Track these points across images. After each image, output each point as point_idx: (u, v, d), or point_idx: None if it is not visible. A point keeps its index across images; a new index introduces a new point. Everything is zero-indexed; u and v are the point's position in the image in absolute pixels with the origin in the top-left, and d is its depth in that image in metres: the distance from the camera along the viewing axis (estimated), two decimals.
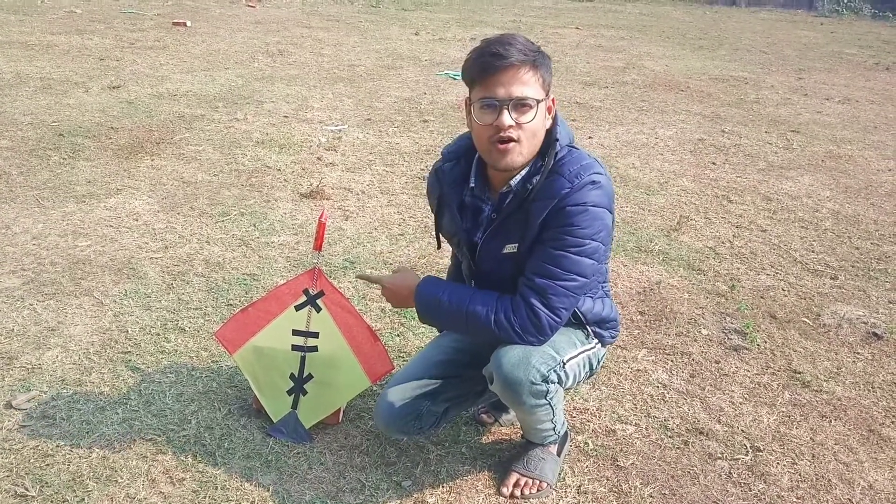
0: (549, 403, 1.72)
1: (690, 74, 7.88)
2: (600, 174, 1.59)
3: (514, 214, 1.64)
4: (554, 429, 1.85)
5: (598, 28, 11.56)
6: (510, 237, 1.66)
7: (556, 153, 1.59)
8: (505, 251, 1.67)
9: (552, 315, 1.61)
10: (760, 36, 11.77)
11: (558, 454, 1.94)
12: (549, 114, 1.62)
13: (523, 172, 1.63)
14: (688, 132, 5.55)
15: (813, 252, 3.50)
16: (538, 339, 1.63)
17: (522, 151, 1.57)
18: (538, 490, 1.87)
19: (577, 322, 1.80)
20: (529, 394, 1.66)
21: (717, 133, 5.57)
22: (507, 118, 1.51)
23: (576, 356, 1.77)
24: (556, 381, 1.69)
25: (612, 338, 1.92)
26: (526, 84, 1.50)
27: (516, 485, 1.87)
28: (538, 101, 1.53)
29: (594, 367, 1.88)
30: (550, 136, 1.62)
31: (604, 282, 1.86)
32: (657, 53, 9.26)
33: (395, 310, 2.72)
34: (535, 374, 1.64)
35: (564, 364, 1.72)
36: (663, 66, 8.36)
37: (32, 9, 9.57)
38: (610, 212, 1.61)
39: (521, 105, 1.51)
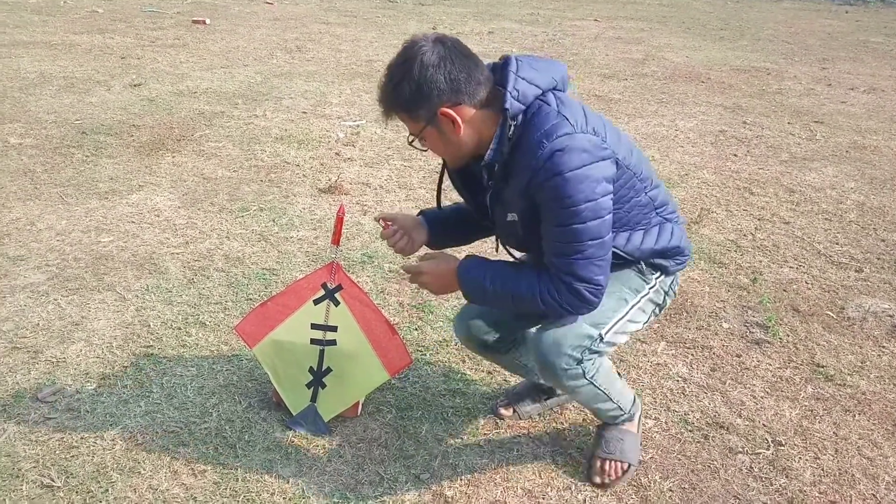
0: (592, 383, 1.71)
1: (711, 65, 7.79)
2: (566, 134, 1.45)
3: (502, 185, 1.59)
4: (619, 407, 1.84)
5: (618, 19, 11.46)
6: (509, 206, 1.62)
7: (512, 125, 1.50)
8: (508, 219, 1.64)
9: (589, 285, 1.54)
10: (783, 25, 11.58)
11: (637, 430, 1.95)
12: (454, 124, 1.50)
13: (492, 147, 1.55)
14: (709, 124, 5.48)
15: (837, 244, 3.45)
16: (588, 308, 1.59)
17: (452, 158, 1.63)
18: (623, 472, 1.88)
19: (627, 261, 1.71)
20: (567, 377, 1.68)
21: (739, 124, 5.49)
22: (418, 145, 1.60)
23: (623, 316, 1.71)
24: (592, 358, 1.68)
25: (679, 265, 1.79)
26: (405, 123, 1.55)
27: (602, 470, 1.87)
28: (417, 134, 1.55)
29: (663, 303, 1.82)
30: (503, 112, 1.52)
31: (658, 207, 1.71)
32: (677, 45, 9.15)
33: (415, 303, 2.73)
34: (567, 359, 1.65)
35: (603, 337, 1.68)
36: (683, 57, 8.26)
37: (55, 9, 9.70)
38: (595, 161, 1.47)
39: (412, 139, 1.58)
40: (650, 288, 1.77)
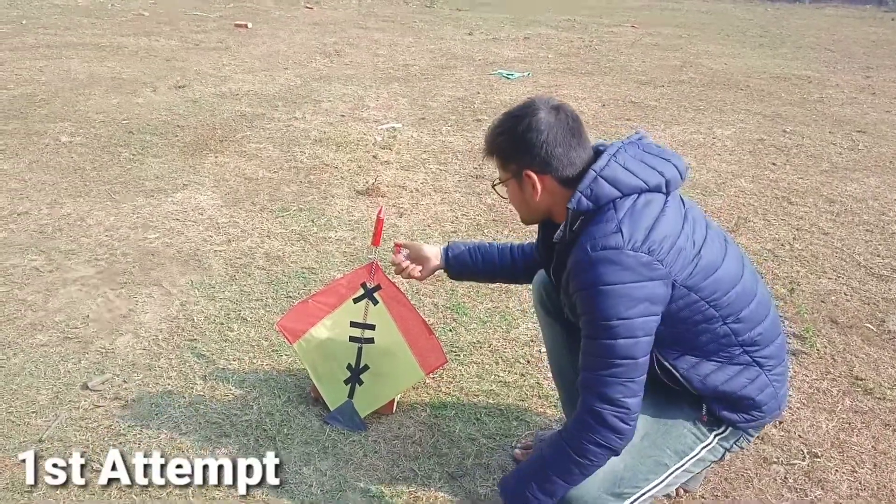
0: None
1: (750, 73, 7.69)
2: (614, 248, 1.39)
3: (562, 266, 1.56)
4: None
5: (655, 26, 11.38)
6: (563, 296, 1.60)
7: (576, 220, 1.49)
8: (565, 309, 1.62)
9: (614, 407, 1.43)
10: (825, 33, 11.37)
11: None
12: (533, 188, 1.52)
13: (561, 227, 1.53)
14: (747, 132, 5.42)
15: (878, 256, 3.39)
16: (617, 437, 1.44)
17: (524, 215, 1.66)
18: None
19: (688, 393, 1.55)
20: None
21: (778, 133, 5.42)
22: (501, 192, 1.66)
23: (658, 483, 1.56)
24: None
25: (750, 422, 1.58)
26: (496, 168, 1.61)
27: None
28: (503, 181, 1.61)
29: (720, 459, 1.64)
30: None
31: (748, 346, 1.53)
32: (715, 52, 9.06)
33: (450, 305, 2.76)
34: None
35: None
36: (722, 64, 8.17)
37: (103, 12, 10.01)
38: (638, 281, 1.39)
39: (497, 183, 1.64)
40: (703, 447, 1.60)
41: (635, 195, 1.45)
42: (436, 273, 1.94)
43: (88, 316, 2.59)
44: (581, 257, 1.42)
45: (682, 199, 1.56)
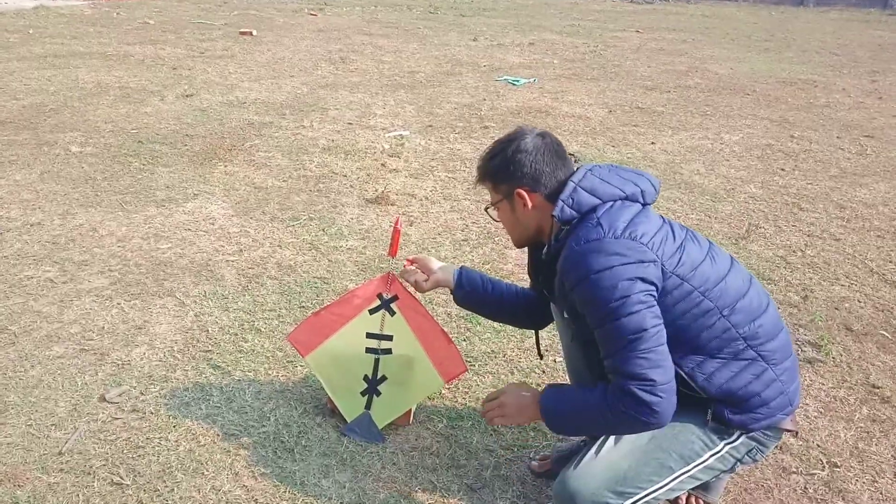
0: None
1: (756, 78, 7.69)
2: (595, 239, 1.49)
3: (552, 281, 1.65)
4: None
5: (660, 31, 11.39)
6: (559, 303, 1.71)
7: (560, 230, 1.60)
8: (565, 316, 1.69)
9: (640, 381, 1.46)
10: (830, 37, 11.37)
11: None
12: (524, 205, 1.64)
13: (549, 242, 1.66)
14: (755, 137, 5.42)
15: (891, 262, 3.38)
16: (651, 413, 1.47)
17: (516, 235, 1.76)
18: None
19: (696, 397, 1.57)
20: None
21: (786, 138, 5.42)
22: (493, 214, 1.78)
23: (661, 486, 1.58)
24: None
25: (761, 421, 1.58)
26: (489, 192, 1.74)
27: None
28: (494, 204, 1.73)
29: (730, 469, 1.65)
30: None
31: (750, 339, 1.55)
32: (721, 56, 9.07)
33: (463, 314, 2.76)
34: None
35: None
36: (728, 69, 8.18)
37: (109, 20, 10.06)
38: (625, 263, 1.46)
39: (489, 206, 1.76)
40: (712, 454, 1.61)
41: (612, 201, 1.58)
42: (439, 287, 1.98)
43: (103, 327, 2.60)
44: (568, 254, 1.54)
45: (660, 214, 1.65)
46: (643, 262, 1.48)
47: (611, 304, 1.46)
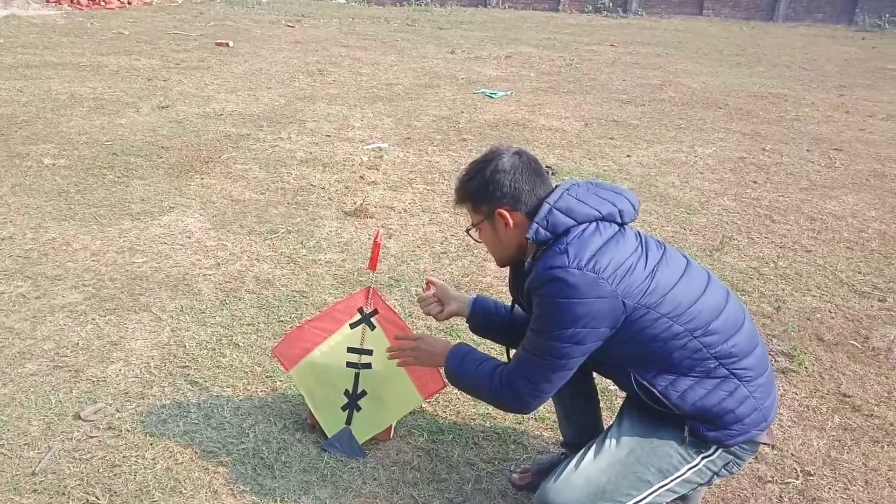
0: None
1: (728, 91, 7.85)
2: (560, 267, 1.51)
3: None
4: None
5: (634, 45, 11.57)
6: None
7: (536, 249, 1.63)
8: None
9: (531, 384, 1.61)
10: (799, 52, 11.65)
11: None
12: (506, 225, 1.64)
13: (528, 259, 1.68)
14: (727, 150, 5.53)
15: (860, 273, 3.46)
16: (522, 409, 1.67)
17: (499, 254, 1.77)
18: None
19: (672, 414, 1.61)
20: None
21: (758, 151, 5.53)
22: (474, 235, 1.79)
23: (639, 500, 1.61)
24: None
25: (736, 437, 1.60)
26: (469, 213, 1.74)
27: None
28: (476, 225, 1.73)
29: (707, 482, 1.68)
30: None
31: (723, 358, 1.57)
32: (694, 70, 9.23)
33: (443, 326, 2.77)
34: None
35: None
36: (700, 83, 8.33)
37: (82, 31, 9.95)
38: (583, 299, 1.49)
39: (471, 228, 1.76)
40: (690, 468, 1.63)
41: (588, 223, 1.58)
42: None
43: (78, 344, 2.56)
44: (534, 277, 1.57)
45: (638, 231, 1.66)
46: (599, 297, 1.50)
47: (554, 328, 1.53)
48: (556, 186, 1.66)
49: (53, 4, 12.36)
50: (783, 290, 3.25)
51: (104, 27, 10.33)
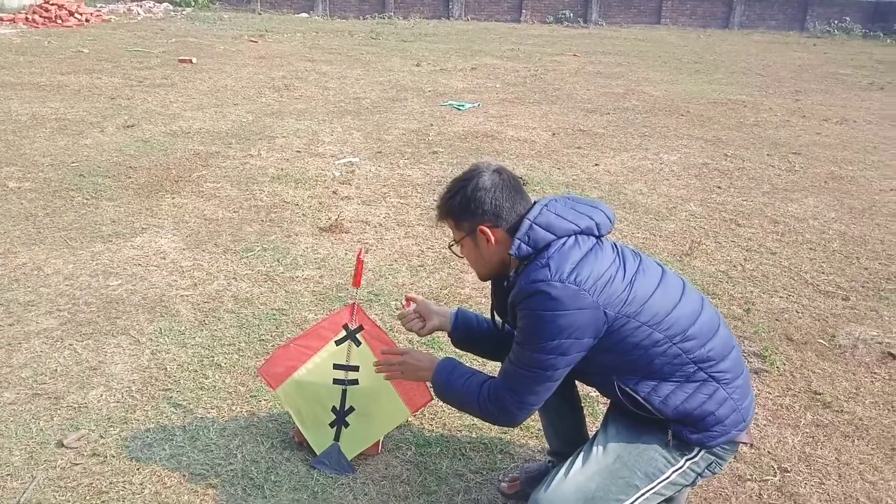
0: None
1: (689, 99, 8.05)
2: (542, 280, 1.56)
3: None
4: None
5: (596, 54, 11.79)
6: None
7: (518, 264, 1.67)
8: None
9: (516, 396, 1.65)
10: (755, 58, 12.01)
11: None
12: (488, 241, 1.68)
13: (511, 274, 1.71)
14: (691, 157, 5.67)
15: (823, 273, 3.59)
16: (505, 419, 1.70)
17: (481, 270, 1.80)
18: None
19: (655, 418, 1.66)
20: None
21: (721, 157, 5.69)
22: (458, 251, 1.81)
23: (632, 501, 1.65)
24: None
25: (716, 438, 1.66)
26: (451, 229, 1.77)
27: None
28: (458, 241, 1.77)
29: (692, 483, 1.72)
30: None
31: (701, 362, 1.63)
32: (655, 78, 9.45)
33: (425, 340, 2.79)
34: None
35: None
36: (662, 90, 8.53)
37: (40, 49, 9.76)
38: (566, 311, 1.54)
39: (453, 244, 1.80)
40: (675, 470, 1.68)
41: (567, 237, 1.63)
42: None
43: (56, 370, 2.52)
44: (517, 291, 1.62)
45: (614, 243, 1.72)
46: (581, 308, 1.55)
47: (539, 340, 1.58)
48: (536, 202, 1.71)
49: (8, 23, 12.11)
50: (752, 292, 3.36)
51: (62, 45, 10.16)
